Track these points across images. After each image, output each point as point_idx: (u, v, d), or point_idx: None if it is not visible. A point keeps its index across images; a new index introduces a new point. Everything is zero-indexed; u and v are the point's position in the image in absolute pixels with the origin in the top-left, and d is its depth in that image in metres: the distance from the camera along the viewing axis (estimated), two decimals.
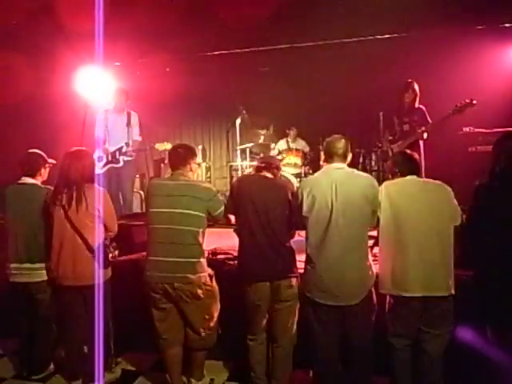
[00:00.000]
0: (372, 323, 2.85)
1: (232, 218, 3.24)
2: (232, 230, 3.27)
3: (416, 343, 2.82)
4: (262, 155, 3.30)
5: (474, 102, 4.47)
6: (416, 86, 4.94)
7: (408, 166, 2.94)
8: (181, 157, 3.19)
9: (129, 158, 5.47)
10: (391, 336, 2.84)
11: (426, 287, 2.69)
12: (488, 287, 2.66)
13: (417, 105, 4.97)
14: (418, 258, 2.71)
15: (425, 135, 4.82)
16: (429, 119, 4.86)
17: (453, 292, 2.72)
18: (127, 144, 5.38)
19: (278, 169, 3.28)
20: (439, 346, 2.77)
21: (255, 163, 3.39)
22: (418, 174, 2.94)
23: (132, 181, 5.78)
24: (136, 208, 6.65)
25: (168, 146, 5.44)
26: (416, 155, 3.07)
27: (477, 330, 2.76)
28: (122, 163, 5.41)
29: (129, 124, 5.47)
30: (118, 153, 5.40)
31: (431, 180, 2.95)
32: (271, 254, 2.98)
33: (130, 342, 3.75)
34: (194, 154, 3.27)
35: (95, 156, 5.15)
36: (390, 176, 3.06)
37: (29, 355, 3.56)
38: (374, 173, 6.54)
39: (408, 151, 3.20)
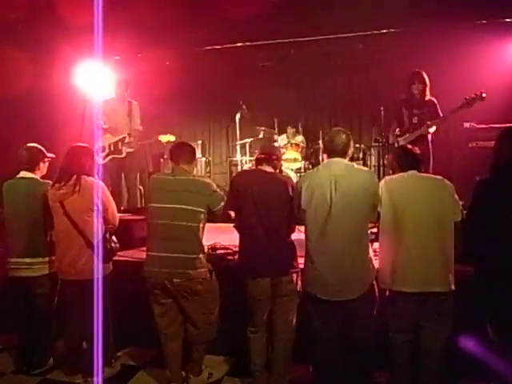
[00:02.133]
0: (372, 318, 2.84)
1: (232, 213, 3.23)
2: (232, 225, 3.26)
3: (416, 339, 2.81)
4: (262, 146, 3.26)
5: (484, 95, 4.31)
6: (425, 76, 4.70)
7: (408, 161, 2.92)
8: (184, 153, 3.19)
9: (130, 150, 5.38)
10: (391, 331, 2.84)
11: (426, 283, 2.69)
12: (488, 284, 2.66)
13: (428, 96, 4.73)
14: (418, 253, 2.70)
15: (431, 129, 4.66)
16: (440, 112, 4.66)
17: (453, 288, 2.72)
18: (129, 134, 5.34)
19: (279, 159, 3.25)
20: (439, 342, 2.77)
21: (255, 156, 3.36)
22: (419, 169, 2.93)
23: (136, 173, 5.71)
24: (136, 202, 6.64)
25: (171, 137, 5.40)
26: (417, 150, 3.04)
27: (477, 327, 2.75)
28: (124, 154, 5.34)
29: (130, 114, 5.40)
30: (120, 143, 5.34)
31: (432, 175, 2.94)
32: (271, 250, 2.97)
33: (130, 336, 3.75)
34: (195, 152, 3.31)
35: (96, 147, 5.11)
36: (391, 171, 3.05)
37: (28, 350, 3.56)
38: (374, 168, 6.54)
39: (409, 146, 3.18)
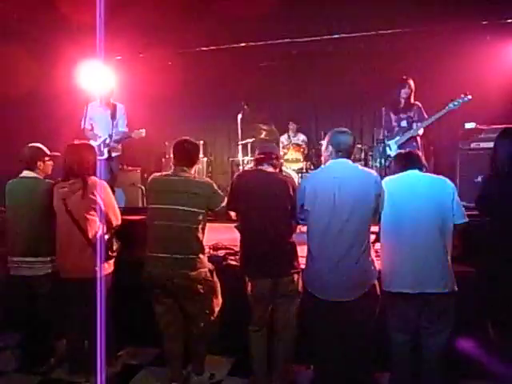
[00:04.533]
0: (373, 318, 2.84)
1: (232, 214, 3.23)
2: (233, 225, 3.26)
3: (417, 339, 2.81)
4: (260, 146, 3.17)
5: (469, 96, 4.55)
6: (411, 82, 5.00)
7: (409, 162, 2.91)
8: (186, 153, 3.17)
9: (117, 153, 5.38)
10: (392, 331, 2.83)
11: (425, 284, 2.68)
12: (490, 282, 2.65)
13: (412, 100, 5.03)
14: (417, 254, 2.69)
15: (420, 131, 4.92)
16: (425, 115, 4.94)
17: (454, 289, 2.70)
18: (110, 136, 5.30)
19: (278, 159, 3.21)
20: (440, 342, 2.76)
21: (254, 156, 3.33)
22: (421, 169, 2.91)
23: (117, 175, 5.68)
24: (137, 202, 6.67)
25: (142, 133, 5.34)
26: (417, 151, 3.07)
27: (477, 327, 2.75)
28: (106, 155, 5.26)
29: (114, 116, 5.33)
30: (102, 145, 5.27)
31: (434, 175, 2.92)
32: (272, 250, 2.96)
33: (131, 335, 3.76)
34: (198, 151, 3.29)
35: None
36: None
37: (30, 349, 3.57)
38: (375, 168, 6.53)
39: (405, 150, 3.22)
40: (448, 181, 2.84)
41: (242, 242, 3.13)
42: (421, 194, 2.77)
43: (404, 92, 4.99)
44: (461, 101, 4.60)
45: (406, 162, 2.93)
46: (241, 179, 3.18)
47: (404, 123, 5.03)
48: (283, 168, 5.51)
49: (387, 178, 2.96)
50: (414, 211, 2.73)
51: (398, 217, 2.76)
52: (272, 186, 3.03)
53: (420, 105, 5.01)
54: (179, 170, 3.13)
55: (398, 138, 5.00)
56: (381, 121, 5.35)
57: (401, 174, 2.90)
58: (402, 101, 5.03)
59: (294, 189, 2.99)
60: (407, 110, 5.02)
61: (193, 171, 3.18)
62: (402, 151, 3.21)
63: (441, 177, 2.88)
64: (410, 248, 2.71)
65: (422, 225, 2.71)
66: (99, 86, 5.44)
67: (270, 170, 3.11)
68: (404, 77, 5.06)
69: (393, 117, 5.11)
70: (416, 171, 2.87)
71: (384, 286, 2.82)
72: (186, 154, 3.17)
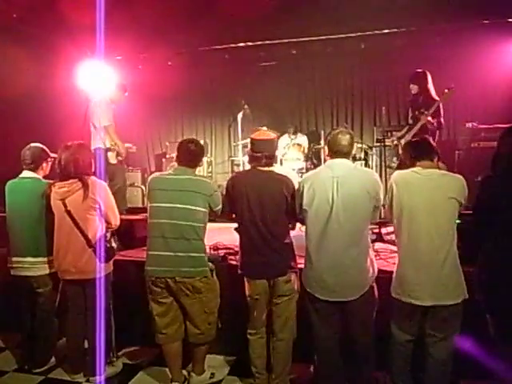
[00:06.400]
0: (372, 318, 2.83)
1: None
2: (233, 225, 3.26)
3: (422, 345, 2.77)
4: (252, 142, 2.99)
5: (452, 85, 4.56)
6: (421, 76, 4.79)
7: (419, 153, 2.81)
8: (190, 154, 3.15)
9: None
10: (394, 330, 2.81)
11: (438, 296, 2.61)
12: (490, 280, 2.63)
13: (434, 97, 4.76)
14: (429, 260, 2.61)
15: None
16: (440, 113, 4.70)
17: (466, 296, 2.65)
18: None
19: (271, 157, 3.07)
20: (445, 348, 2.72)
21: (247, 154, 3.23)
22: (432, 159, 2.79)
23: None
24: (137, 202, 6.67)
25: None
26: (427, 138, 2.97)
27: (477, 327, 2.74)
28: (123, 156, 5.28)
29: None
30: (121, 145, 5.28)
31: (446, 172, 2.80)
32: (268, 251, 2.95)
33: (132, 335, 3.76)
34: (203, 153, 3.27)
35: (106, 146, 5.02)
36: (407, 161, 2.92)
37: (30, 349, 3.57)
38: (375, 168, 6.54)
39: (415, 139, 3.11)
40: (460, 180, 2.74)
41: (240, 242, 3.13)
42: (430, 196, 2.66)
43: (411, 87, 4.84)
44: (447, 96, 4.59)
45: (417, 153, 2.82)
46: (235, 181, 3.14)
47: (415, 119, 4.84)
48: (284, 168, 5.51)
49: (395, 174, 2.87)
50: (423, 212, 2.64)
51: (408, 220, 2.68)
52: (267, 186, 2.99)
53: (440, 104, 4.73)
54: (181, 170, 3.13)
55: (406, 135, 4.83)
56: (381, 120, 5.34)
57: (410, 170, 2.78)
58: (418, 97, 4.83)
59: (290, 187, 2.96)
60: (423, 106, 4.75)
61: (193, 170, 3.17)
62: (413, 140, 3.10)
63: (455, 175, 2.77)
64: (420, 254, 2.62)
65: (433, 230, 2.62)
66: (108, 84, 5.36)
67: (264, 168, 3.04)
68: (416, 70, 4.89)
69: (410, 113, 4.94)
70: (427, 164, 2.75)
71: (394, 294, 2.75)
72: (189, 155, 3.16)
